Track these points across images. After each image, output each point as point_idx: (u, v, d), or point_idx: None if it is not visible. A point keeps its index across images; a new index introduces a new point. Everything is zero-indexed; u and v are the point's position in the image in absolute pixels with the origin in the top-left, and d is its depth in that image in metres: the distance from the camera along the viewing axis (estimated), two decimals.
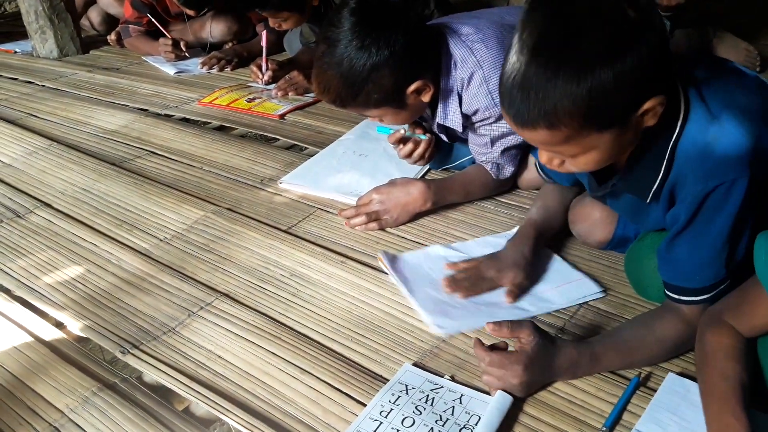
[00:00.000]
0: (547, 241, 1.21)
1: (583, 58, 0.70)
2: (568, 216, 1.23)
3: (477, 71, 1.27)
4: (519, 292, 1.10)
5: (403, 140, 1.47)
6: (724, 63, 0.95)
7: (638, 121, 0.78)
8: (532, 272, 1.13)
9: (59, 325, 1.10)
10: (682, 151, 0.84)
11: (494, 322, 0.89)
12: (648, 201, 0.91)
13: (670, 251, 0.89)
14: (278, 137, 1.89)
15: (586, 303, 1.09)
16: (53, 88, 2.43)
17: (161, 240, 1.33)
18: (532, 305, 1.08)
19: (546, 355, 0.88)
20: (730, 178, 0.80)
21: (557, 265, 1.19)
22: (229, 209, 1.45)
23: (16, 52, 3.01)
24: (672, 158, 0.85)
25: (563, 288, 1.12)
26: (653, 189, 0.88)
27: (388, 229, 1.35)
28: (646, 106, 0.75)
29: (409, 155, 1.49)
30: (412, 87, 1.24)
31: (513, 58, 0.75)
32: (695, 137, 0.82)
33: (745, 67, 0.93)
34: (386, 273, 1.18)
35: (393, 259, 1.20)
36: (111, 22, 3.15)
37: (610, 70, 0.70)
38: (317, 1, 2.11)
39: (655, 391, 0.88)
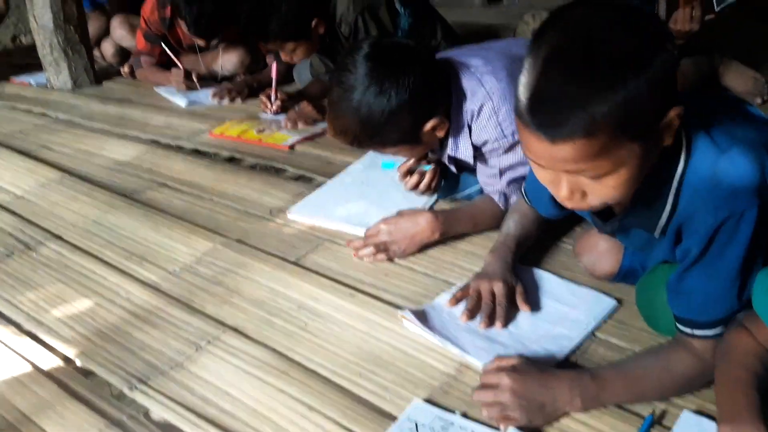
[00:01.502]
0: (523, 253, 1.24)
1: (615, 64, 0.70)
2: (575, 247, 1.23)
3: (487, 102, 1.28)
4: (523, 296, 1.13)
5: (408, 172, 1.48)
6: (724, 95, 0.96)
7: (659, 138, 0.77)
8: (516, 278, 1.16)
9: (67, 359, 1.10)
10: (689, 184, 0.83)
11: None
12: (657, 235, 0.90)
13: (681, 284, 0.88)
14: (287, 168, 1.90)
15: (597, 331, 1.08)
16: (67, 120, 2.47)
17: (170, 273, 1.33)
18: (570, 330, 1.08)
19: (537, 368, 0.90)
20: (740, 209, 0.79)
21: (567, 287, 1.20)
22: (238, 241, 1.45)
23: (31, 84, 3.07)
24: (679, 191, 0.84)
25: (583, 307, 1.13)
26: (662, 223, 0.88)
27: (397, 261, 1.34)
28: (671, 114, 0.75)
29: (415, 187, 1.49)
30: (429, 125, 1.26)
31: (534, 73, 0.74)
32: (702, 170, 0.82)
33: (743, 99, 0.93)
34: (399, 309, 1.17)
35: (420, 316, 1.13)
36: (124, 53, 3.20)
37: (642, 75, 0.70)
38: (323, 29, 2.14)
39: (670, 429, 0.87)
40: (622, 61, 0.70)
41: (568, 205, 0.84)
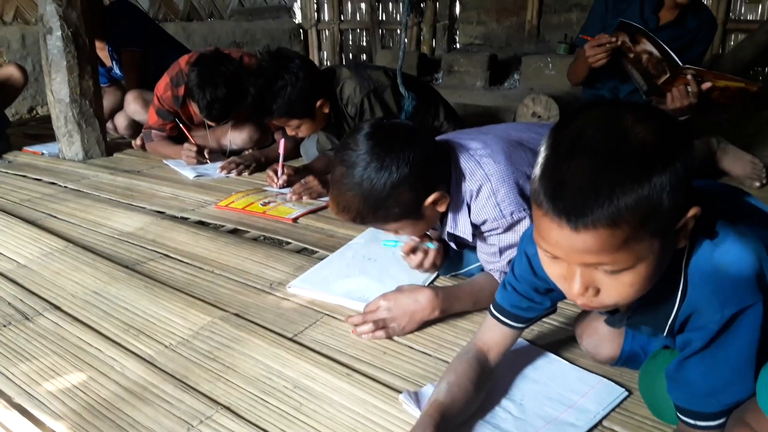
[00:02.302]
0: (455, 427, 1.01)
1: (642, 158, 0.71)
2: (575, 329, 1.21)
3: (485, 184, 1.30)
4: None
5: (412, 250, 1.49)
6: (723, 185, 0.97)
7: (675, 238, 0.77)
8: None
9: None
10: (693, 282, 0.82)
11: None
12: (665, 334, 0.88)
13: (681, 373, 0.86)
14: (290, 240, 1.91)
15: (606, 418, 1.05)
16: (75, 189, 2.52)
17: (166, 346, 1.32)
18: (577, 419, 1.05)
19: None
20: (746, 303, 0.79)
21: (575, 373, 1.18)
22: (236, 315, 1.45)
23: (43, 153, 3.14)
24: (685, 290, 0.83)
25: (591, 394, 1.11)
26: (670, 323, 0.86)
27: (396, 338, 1.33)
28: (690, 213, 0.75)
29: (420, 265, 1.50)
30: (430, 199, 1.28)
31: (557, 161, 0.74)
32: (702, 265, 0.81)
33: (742, 189, 0.94)
34: (399, 394, 1.15)
35: (420, 399, 1.10)
36: (136, 126, 3.30)
37: (667, 171, 0.71)
38: (328, 108, 2.21)
39: None
40: (649, 156, 0.71)
41: (579, 301, 0.81)
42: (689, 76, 2.09)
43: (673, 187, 0.71)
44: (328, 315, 1.44)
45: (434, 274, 1.60)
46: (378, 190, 1.23)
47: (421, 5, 5.46)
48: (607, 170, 0.71)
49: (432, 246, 1.49)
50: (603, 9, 2.43)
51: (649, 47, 2.17)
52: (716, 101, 2.18)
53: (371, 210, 1.26)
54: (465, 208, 1.34)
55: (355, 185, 1.23)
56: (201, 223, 2.10)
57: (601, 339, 1.16)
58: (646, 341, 1.13)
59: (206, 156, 2.76)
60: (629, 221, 0.71)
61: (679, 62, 2.13)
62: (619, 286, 0.78)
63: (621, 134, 0.72)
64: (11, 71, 3.43)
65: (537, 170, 0.76)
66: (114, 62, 3.45)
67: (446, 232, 1.40)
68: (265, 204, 2.20)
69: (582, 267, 0.77)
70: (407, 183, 1.23)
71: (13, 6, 4.22)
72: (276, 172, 2.41)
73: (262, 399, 1.14)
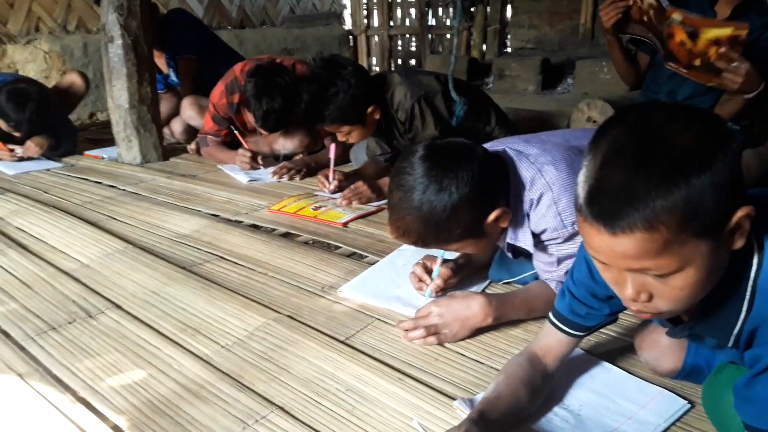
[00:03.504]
0: (503, 427, 1.00)
1: (677, 161, 0.70)
2: (634, 341, 1.17)
3: (546, 192, 1.27)
4: None
5: (427, 270, 1.51)
6: None
7: (728, 240, 0.75)
8: None
9: (117, 429, 1.10)
10: (763, 289, 0.79)
11: None
12: (730, 345, 0.85)
13: (750, 390, 0.82)
14: (340, 245, 1.93)
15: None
16: (133, 193, 2.60)
17: (222, 346, 1.35)
18: (636, 431, 1.03)
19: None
20: None
21: (634, 383, 1.15)
22: (289, 316, 1.47)
23: (103, 158, 3.27)
24: (753, 297, 0.80)
25: (651, 405, 1.08)
26: (735, 333, 0.83)
27: (447, 345, 1.32)
28: (739, 214, 0.73)
29: (419, 288, 1.52)
30: (492, 216, 1.25)
31: (595, 167, 0.74)
32: None
33: None
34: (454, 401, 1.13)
35: (472, 405, 1.09)
36: (191, 132, 3.40)
37: (705, 173, 0.69)
38: (378, 114, 2.22)
39: None
40: (686, 157, 0.70)
41: (633, 307, 0.81)
42: (680, 25, 1.88)
43: (715, 188, 0.70)
44: (378, 319, 1.45)
45: (487, 282, 1.58)
46: (438, 213, 1.20)
47: (472, 10, 5.43)
48: (643, 173, 0.70)
49: (436, 271, 1.48)
50: None
51: None
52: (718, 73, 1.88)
53: (432, 233, 1.23)
54: (525, 218, 1.31)
55: (415, 209, 1.21)
56: (254, 227, 2.14)
57: (663, 351, 1.13)
58: (710, 354, 1.08)
59: (260, 162, 2.82)
60: (667, 224, 0.70)
61: (663, 2, 1.93)
62: (670, 291, 0.76)
63: (657, 137, 0.72)
64: (74, 78, 3.59)
65: (579, 176, 0.77)
66: (170, 69, 3.56)
67: (506, 243, 1.37)
68: (316, 208, 2.23)
69: (631, 272, 0.77)
70: (468, 202, 1.21)
71: (75, 16, 4.42)
72: (327, 178, 2.43)
73: (315, 401, 1.15)
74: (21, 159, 3.12)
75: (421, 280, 1.50)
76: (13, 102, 2.93)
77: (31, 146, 3.12)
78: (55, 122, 3.21)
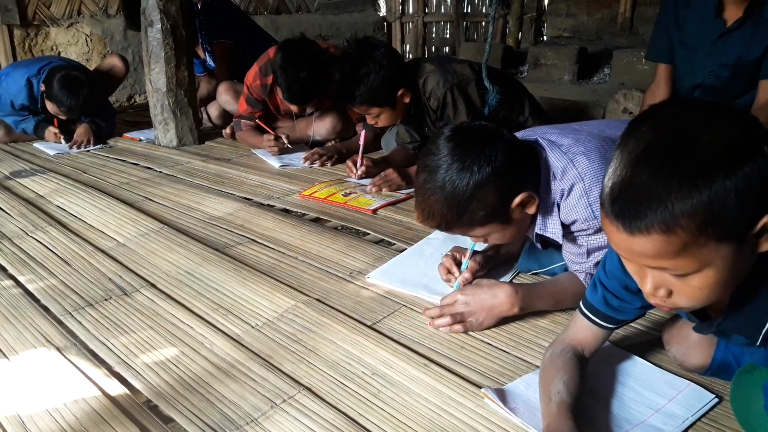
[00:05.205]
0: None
1: (702, 163, 0.69)
2: (663, 335, 1.16)
3: (578, 183, 1.26)
4: None
5: (456, 262, 1.51)
6: None
7: (754, 242, 0.74)
8: None
9: (150, 404, 1.14)
10: None
11: None
12: (759, 344, 0.84)
13: None
14: (369, 231, 1.94)
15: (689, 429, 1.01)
16: (169, 175, 2.66)
17: (253, 327, 1.38)
18: (665, 424, 1.03)
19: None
20: None
21: (661, 376, 1.14)
22: (318, 300, 1.49)
23: (140, 140, 3.34)
24: None
25: (679, 398, 1.08)
26: (764, 332, 0.82)
27: (473, 333, 1.33)
28: (765, 220, 0.71)
29: (447, 280, 1.52)
30: (517, 200, 1.25)
31: (621, 165, 0.74)
32: None
33: None
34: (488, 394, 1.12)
35: (501, 396, 1.09)
36: (227, 116, 3.44)
37: (730, 176, 0.68)
38: (408, 98, 2.22)
39: None
40: (712, 160, 0.69)
41: (652, 301, 0.81)
42: None
43: (740, 192, 0.68)
44: (405, 306, 1.46)
45: (515, 271, 1.58)
46: (461, 192, 1.20)
47: None
48: (665, 175, 0.70)
49: (465, 263, 1.47)
50: (666, 23, 2.19)
51: None
52: None
53: (456, 214, 1.23)
54: (555, 208, 1.30)
55: (438, 189, 1.22)
56: (285, 211, 2.16)
57: (691, 346, 1.12)
58: (739, 351, 1.07)
59: (285, 141, 2.82)
60: (686, 227, 0.70)
61: None
62: (689, 290, 0.77)
63: (685, 138, 0.71)
64: (114, 61, 3.66)
65: (608, 171, 0.77)
66: (207, 54, 3.60)
67: (535, 233, 1.36)
68: (346, 194, 2.24)
69: (649, 269, 0.77)
70: (491, 183, 1.20)
71: (116, 0, 4.49)
72: (355, 163, 2.45)
73: (341, 383, 1.17)
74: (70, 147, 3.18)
75: (449, 272, 1.51)
76: (68, 89, 3.01)
77: (81, 138, 3.18)
78: (97, 105, 3.29)
